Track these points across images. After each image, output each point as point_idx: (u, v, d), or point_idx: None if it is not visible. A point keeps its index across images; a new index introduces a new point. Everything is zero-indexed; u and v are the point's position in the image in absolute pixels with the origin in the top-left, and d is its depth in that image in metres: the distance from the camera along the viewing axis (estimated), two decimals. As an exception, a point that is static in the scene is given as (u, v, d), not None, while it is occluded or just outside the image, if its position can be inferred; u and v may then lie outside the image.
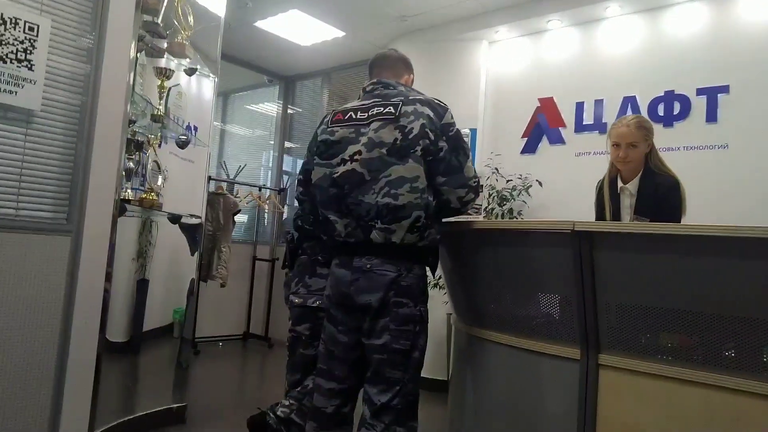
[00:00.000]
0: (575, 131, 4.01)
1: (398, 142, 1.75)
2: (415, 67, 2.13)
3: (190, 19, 2.94)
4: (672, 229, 1.60)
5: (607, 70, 3.90)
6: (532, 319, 1.91)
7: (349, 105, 1.93)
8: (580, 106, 3.99)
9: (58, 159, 2.25)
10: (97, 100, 2.30)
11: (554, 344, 1.79)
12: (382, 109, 1.81)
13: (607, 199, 2.46)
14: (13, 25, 2.04)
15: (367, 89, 1.94)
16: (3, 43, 2.02)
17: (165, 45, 2.87)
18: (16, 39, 2.05)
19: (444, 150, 1.78)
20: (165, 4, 2.69)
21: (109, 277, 2.38)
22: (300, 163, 5.32)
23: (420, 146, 1.74)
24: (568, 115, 4.04)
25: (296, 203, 2.28)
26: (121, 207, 2.48)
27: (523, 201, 4.05)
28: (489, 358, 2.01)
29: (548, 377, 1.82)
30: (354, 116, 1.86)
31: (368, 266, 1.77)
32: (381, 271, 1.75)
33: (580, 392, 1.71)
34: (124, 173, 2.52)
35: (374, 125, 1.79)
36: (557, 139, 4.09)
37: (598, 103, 3.90)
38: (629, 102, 3.74)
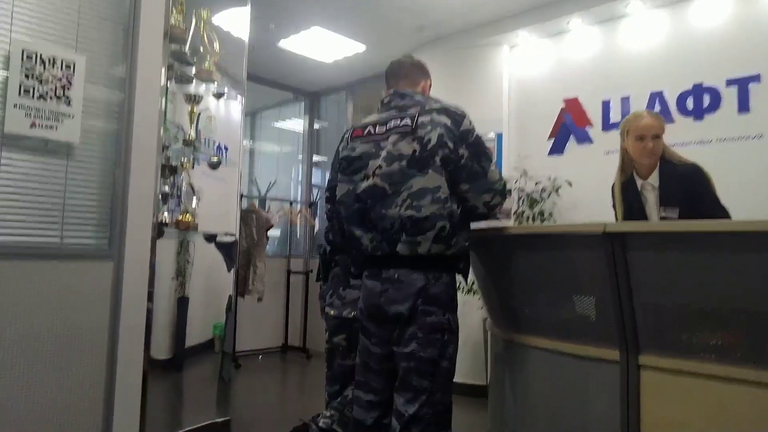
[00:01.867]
0: (603, 129, 3.96)
1: (417, 153, 1.75)
2: (438, 75, 2.14)
3: (216, 44, 3.03)
4: (703, 226, 1.58)
5: (632, 67, 3.85)
6: (569, 322, 1.89)
7: (367, 120, 1.94)
8: (606, 105, 3.95)
9: (98, 187, 2.34)
10: (132, 127, 2.39)
11: (592, 347, 1.77)
12: (398, 121, 1.82)
13: (619, 201, 2.42)
14: (51, 64, 2.15)
15: (385, 101, 1.95)
16: (43, 81, 2.12)
17: (193, 71, 2.97)
18: (54, 77, 2.16)
19: (465, 157, 1.78)
20: (191, 32, 2.78)
21: (150, 297, 2.46)
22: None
23: (439, 156, 1.74)
24: (594, 114, 4.00)
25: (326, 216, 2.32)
26: (159, 230, 2.57)
27: (554, 202, 4.02)
28: (527, 362, 2.01)
29: (588, 380, 1.80)
30: (372, 131, 1.87)
31: (396, 276, 1.77)
32: (409, 279, 1.76)
33: (621, 394, 1.69)
34: (160, 197, 2.61)
35: (392, 138, 1.81)
36: (585, 139, 4.05)
37: (625, 100, 3.85)
38: (657, 97, 3.68)
